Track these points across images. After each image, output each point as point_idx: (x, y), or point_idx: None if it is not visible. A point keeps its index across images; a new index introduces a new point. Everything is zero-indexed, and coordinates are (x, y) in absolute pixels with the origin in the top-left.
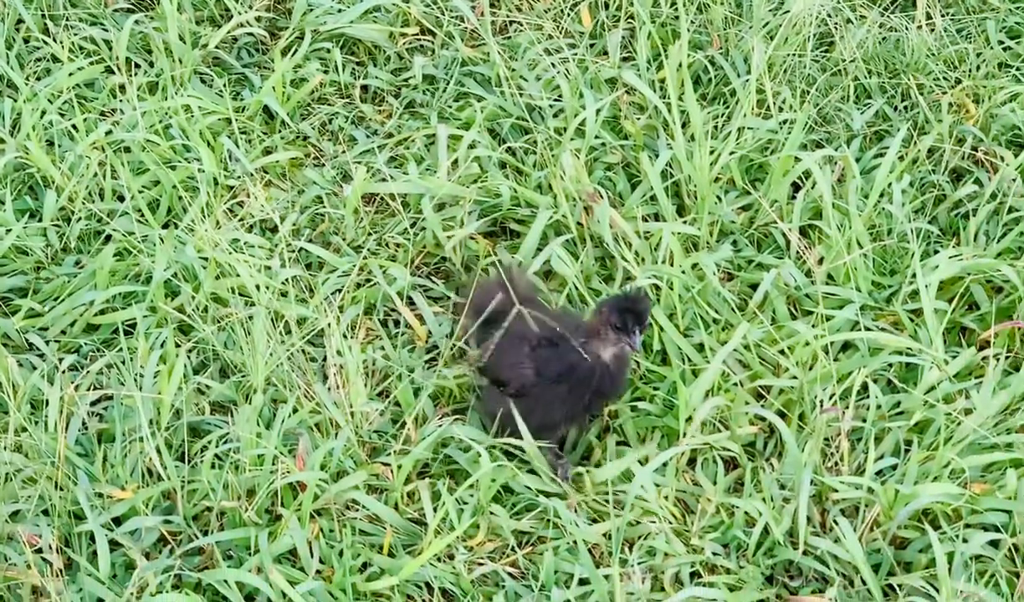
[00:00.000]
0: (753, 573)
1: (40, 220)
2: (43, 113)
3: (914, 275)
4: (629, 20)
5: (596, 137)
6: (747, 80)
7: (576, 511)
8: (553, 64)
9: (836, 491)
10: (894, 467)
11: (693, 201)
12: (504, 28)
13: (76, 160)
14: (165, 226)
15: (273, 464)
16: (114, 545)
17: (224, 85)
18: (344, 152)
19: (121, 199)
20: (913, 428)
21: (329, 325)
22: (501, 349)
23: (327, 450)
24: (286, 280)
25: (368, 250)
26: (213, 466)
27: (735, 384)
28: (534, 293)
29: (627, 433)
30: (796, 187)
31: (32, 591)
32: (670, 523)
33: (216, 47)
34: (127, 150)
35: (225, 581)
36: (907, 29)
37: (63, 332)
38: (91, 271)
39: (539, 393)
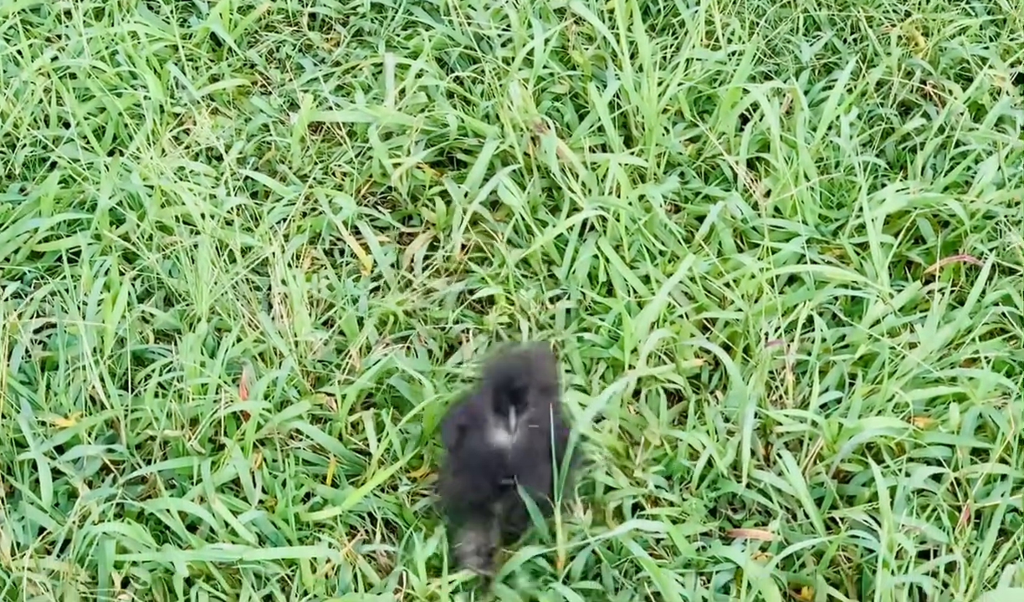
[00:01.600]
0: (696, 506)
1: None
2: None
3: (861, 208)
4: None
5: (544, 67)
6: (696, 11)
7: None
8: None
9: (780, 424)
10: (838, 401)
11: (641, 132)
12: None
13: (21, 86)
14: (110, 153)
15: (217, 393)
16: (56, 473)
17: (171, 12)
18: (291, 80)
19: (66, 126)
20: (858, 362)
21: (274, 254)
22: (446, 430)
23: (271, 379)
24: (231, 209)
25: (314, 179)
26: (156, 395)
27: (680, 316)
28: (554, 380)
29: (573, 363)
30: (744, 119)
31: None
32: (613, 456)
33: None
34: (73, 76)
35: (168, 510)
36: None
37: (7, 259)
38: (35, 198)
39: (456, 478)
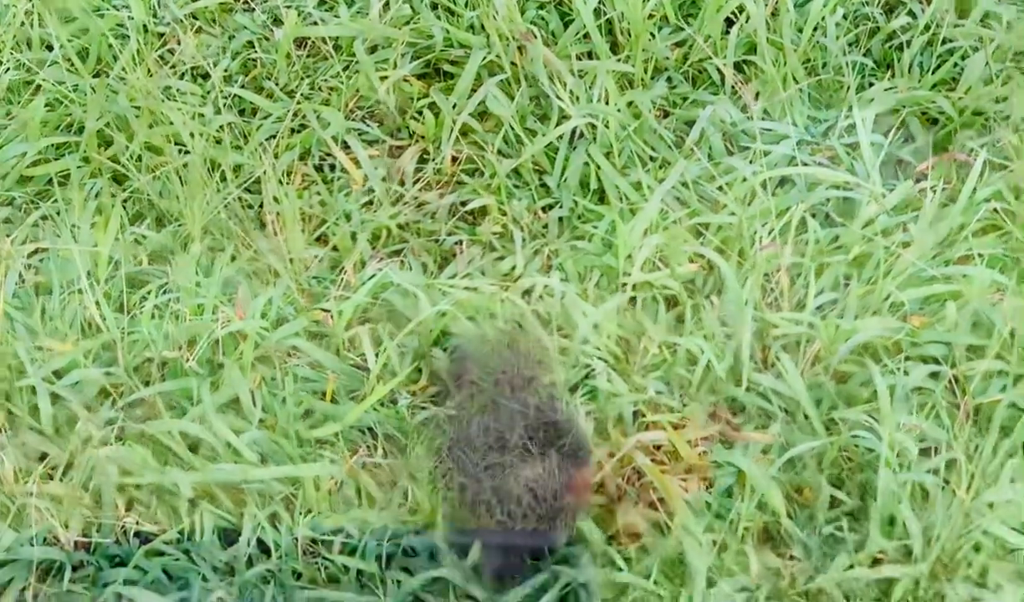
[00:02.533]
0: (696, 410)
1: None
2: None
3: (850, 108)
4: None
5: None
6: None
7: None
8: None
9: (777, 327)
10: (834, 302)
11: (627, 38)
12: None
13: (2, 9)
14: (96, 75)
15: (213, 313)
16: (55, 398)
17: None
18: None
19: (50, 48)
20: (852, 262)
21: (265, 172)
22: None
23: (266, 298)
24: (220, 127)
25: (301, 95)
26: (153, 317)
27: (674, 222)
28: (541, 367)
29: (567, 272)
30: (730, 22)
31: None
32: (612, 362)
33: None
34: None
35: (169, 432)
36: None
37: None
38: (22, 122)
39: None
